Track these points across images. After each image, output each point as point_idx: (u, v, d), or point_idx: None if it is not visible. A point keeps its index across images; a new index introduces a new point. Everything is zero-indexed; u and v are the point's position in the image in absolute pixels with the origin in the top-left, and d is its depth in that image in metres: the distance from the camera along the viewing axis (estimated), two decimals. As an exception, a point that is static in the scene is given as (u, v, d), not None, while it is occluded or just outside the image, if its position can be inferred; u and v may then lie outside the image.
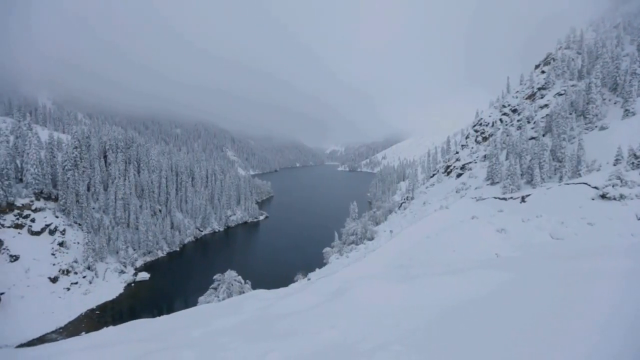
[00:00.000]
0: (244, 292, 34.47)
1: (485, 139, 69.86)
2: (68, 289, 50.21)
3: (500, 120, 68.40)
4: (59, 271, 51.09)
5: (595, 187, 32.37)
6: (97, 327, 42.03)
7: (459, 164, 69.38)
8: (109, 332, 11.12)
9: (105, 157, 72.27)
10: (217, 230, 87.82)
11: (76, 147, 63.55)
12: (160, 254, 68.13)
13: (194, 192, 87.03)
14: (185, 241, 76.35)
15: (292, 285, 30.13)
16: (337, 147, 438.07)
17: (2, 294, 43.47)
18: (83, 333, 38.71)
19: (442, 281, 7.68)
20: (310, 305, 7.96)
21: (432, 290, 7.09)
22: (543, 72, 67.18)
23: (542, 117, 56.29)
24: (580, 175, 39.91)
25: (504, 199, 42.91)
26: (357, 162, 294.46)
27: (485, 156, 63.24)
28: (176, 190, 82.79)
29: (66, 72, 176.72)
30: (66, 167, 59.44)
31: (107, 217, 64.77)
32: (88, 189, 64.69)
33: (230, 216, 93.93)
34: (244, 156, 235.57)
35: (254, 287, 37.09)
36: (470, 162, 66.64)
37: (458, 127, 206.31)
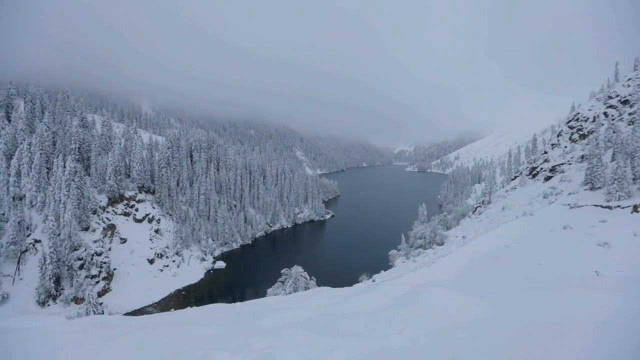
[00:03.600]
0: (309, 288, 35.49)
1: (583, 136, 60.23)
2: (161, 270, 57.88)
3: (605, 114, 58.22)
4: (155, 254, 59.19)
5: None
6: (182, 305, 47.58)
7: (547, 166, 61.06)
8: (192, 312, 12.48)
9: (191, 156, 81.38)
10: (285, 227, 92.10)
11: (169, 148, 72.79)
12: (235, 246, 74.13)
13: (265, 189, 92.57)
14: (257, 235, 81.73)
15: (356, 286, 29.97)
16: (405, 147, 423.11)
17: (114, 269, 52.18)
18: (172, 310, 44.22)
19: (527, 298, 6.81)
20: (377, 308, 7.80)
21: (516, 307, 6.33)
22: (667, 54, 55.07)
23: (665, 110, 46.25)
24: None
25: (609, 207, 36.49)
26: (426, 163, 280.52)
27: (582, 156, 54.53)
28: (249, 187, 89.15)
29: (159, 90, 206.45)
30: (161, 165, 68.57)
31: (192, 209, 72.83)
32: (177, 184, 73.58)
33: (297, 214, 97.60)
34: (311, 156, 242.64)
35: (318, 284, 37.94)
36: (562, 164, 58.16)
37: (547, 123, 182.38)
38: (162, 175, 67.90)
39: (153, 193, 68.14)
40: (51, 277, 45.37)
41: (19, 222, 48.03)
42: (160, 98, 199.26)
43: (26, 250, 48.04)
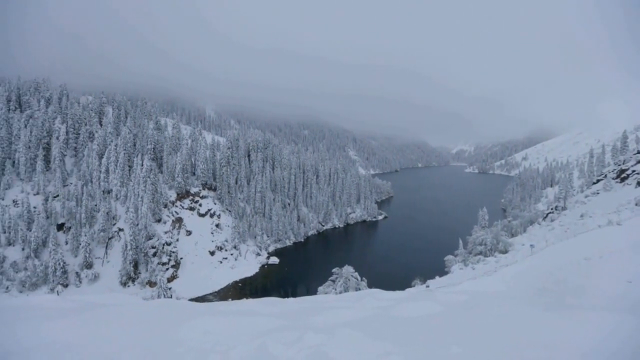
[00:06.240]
0: (359, 289, 35.26)
1: (691, 133, 50.65)
2: (220, 262, 62.16)
3: None
4: (215, 247, 63.76)
5: None
6: (239, 296, 50.60)
7: (641, 168, 52.55)
8: (248, 303, 13.21)
9: (248, 155, 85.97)
10: (337, 226, 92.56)
11: (229, 148, 77.81)
12: (288, 243, 76.54)
13: (318, 189, 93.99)
14: (309, 233, 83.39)
15: (408, 290, 29.03)
16: (465, 146, 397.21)
17: (181, 258, 57.38)
18: (230, 299, 47.32)
19: (616, 320, 5.96)
20: (433, 314, 7.48)
21: (602, 329, 5.58)
22: None
23: None
24: None
25: None
26: (488, 163, 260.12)
27: (690, 158, 45.95)
28: (302, 186, 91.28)
29: (221, 97, 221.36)
30: (222, 164, 73.61)
31: (249, 206, 76.92)
32: (236, 182, 78.30)
33: (349, 214, 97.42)
34: (364, 156, 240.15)
35: (369, 286, 37.47)
36: (662, 166, 49.60)
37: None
38: (223, 173, 72.93)
39: (214, 190, 73.53)
40: (131, 261, 51.66)
41: (107, 213, 55.52)
42: (223, 102, 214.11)
43: (112, 237, 55.31)
